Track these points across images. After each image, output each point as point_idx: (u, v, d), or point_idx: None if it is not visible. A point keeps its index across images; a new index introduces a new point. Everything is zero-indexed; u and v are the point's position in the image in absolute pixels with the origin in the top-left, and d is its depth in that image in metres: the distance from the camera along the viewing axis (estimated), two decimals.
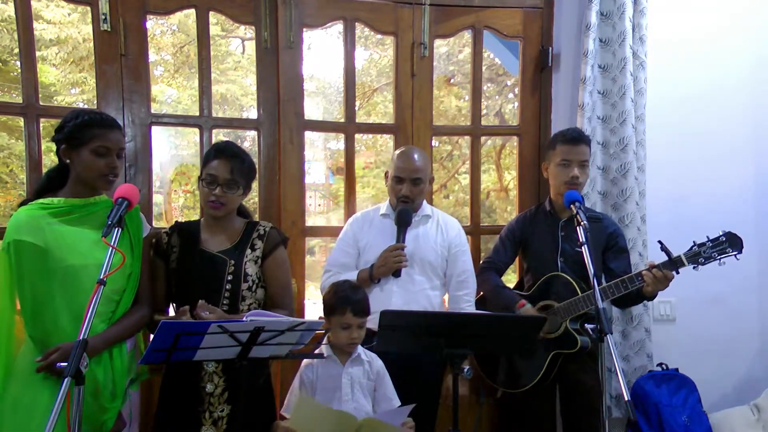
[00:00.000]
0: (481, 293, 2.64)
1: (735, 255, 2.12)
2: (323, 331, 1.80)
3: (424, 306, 2.39)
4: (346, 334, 2.03)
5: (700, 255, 2.14)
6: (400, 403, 2.08)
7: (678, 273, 2.17)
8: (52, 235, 1.77)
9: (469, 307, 2.48)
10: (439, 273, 2.43)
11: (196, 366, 1.94)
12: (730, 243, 2.12)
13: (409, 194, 2.36)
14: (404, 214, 2.35)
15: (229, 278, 2.00)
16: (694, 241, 2.16)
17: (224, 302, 1.98)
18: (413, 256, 2.34)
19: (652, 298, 2.31)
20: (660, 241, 2.14)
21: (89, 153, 1.81)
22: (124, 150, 1.90)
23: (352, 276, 2.33)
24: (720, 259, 2.13)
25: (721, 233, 2.14)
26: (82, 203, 1.85)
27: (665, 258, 2.16)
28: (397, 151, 2.47)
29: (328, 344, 2.07)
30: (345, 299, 2.04)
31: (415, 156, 2.40)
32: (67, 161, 1.85)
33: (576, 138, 2.42)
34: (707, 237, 2.15)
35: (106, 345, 1.81)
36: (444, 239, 2.45)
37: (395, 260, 2.28)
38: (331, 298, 2.08)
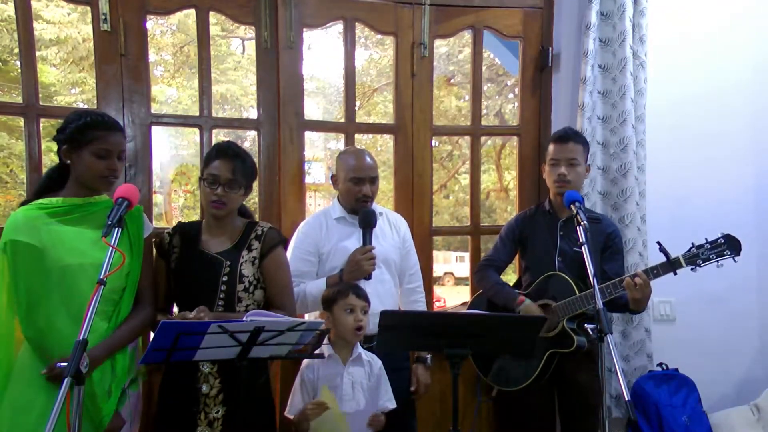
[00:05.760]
0: (479, 291, 2.65)
1: (733, 257, 2.12)
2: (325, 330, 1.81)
3: (393, 304, 2.40)
4: (352, 317, 2.05)
5: (698, 257, 2.13)
6: (395, 405, 2.09)
7: (676, 274, 2.17)
8: (48, 235, 1.77)
9: (422, 297, 2.55)
10: (396, 269, 2.45)
11: (192, 367, 1.94)
12: (729, 245, 2.12)
13: (369, 193, 2.34)
14: (369, 216, 2.31)
15: (224, 279, 2.00)
16: (692, 243, 2.16)
17: (219, 303, 1.98)
18: (378, 256, 2.29)
19: (639, 310, 2.30)
20: (659, 242, 2.14)
21: (90, 154, 1.81)
22: (124, 152, 1.91)
23: (318, 284, 2.28)
24: (718, 261, 2.12)
25: (719, 235, 2.13)
26: (81, 202, 1.85)
27: (664, 259, 2.16)
28: (346, 154, 2.43)
29: (329, 344, 2.08)
30: (346, 286, 2.12)
31: (367, 155, 2.40)
32: (68, 162, 1.85)
33: (563, 137, 2.43)
34: (705, 239, 2.14)
35: (109, 353, 1.80)
36: (398, 235, 2.48)
37: (369, 263, 2.24)
38: (331, 291, 2.12)
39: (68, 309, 1.76)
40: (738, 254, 2.12)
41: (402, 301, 2.52)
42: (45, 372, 1.70)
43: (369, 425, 2.02)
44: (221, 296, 1.99)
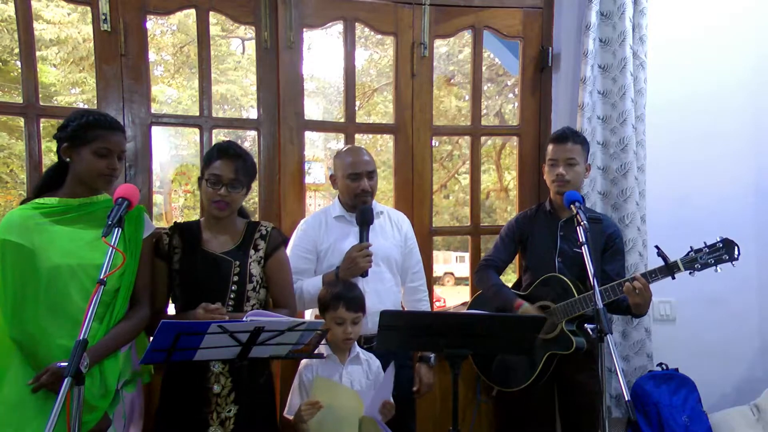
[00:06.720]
0: (479, 292, 2.65)
1: (731, 262, 2.11)
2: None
3: (394, 303, 2.39)
4: (341, 329, 2.06)
5: (696, 261, 2.13)
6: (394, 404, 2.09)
7: (674, 278, 2.16)
8: (40, 236, 1.76)
9: (425, 296, 2.54)
10: (397, 268, 2.44)
11: (201, 367, 1.93)
12: (727, 250, 2.11)
13: (368, 188, 2.34)
14: (367, 213, 2.31)
15: (234, 279, 1.99)
16: (691, 247, 2.15)
17: (229, 303, 1.98)
18: (377, 254, 2.29)
19: (641, 314, 2.31)
20: (657, 246, 2.14)
21: (90, 153, 1.81)
22: (125, 152, 1.91)
23: (315, 282, 2.28)
24: (716, 265, 2.12)
25: (718, 239, 2.12)
26: (79, 203, 1.84)
27: (662, 262, 2.15)
28: (342, 152, 2.44)
29: (327, 344, 2.08)
30: (338, 295, 2.09)
31: (363, 151, 2.41)
32: (67, 160, 1.84)
33: (561, 136, 2.43)
34: (704, 243, 2.14)
35: (104, 354, 1.78)
36: (400, 233, 2.48)
37: (366, 260, 2.23)
38: (325, 296, 2.11)
39: (57, 310, 1.75)
40: (736, 259, 2.11)
41: (405, 300, 2.51)
42: (31, 382, 1.67)
43: (380, 412, 2.01)
44: (231, 296, 1.99)
